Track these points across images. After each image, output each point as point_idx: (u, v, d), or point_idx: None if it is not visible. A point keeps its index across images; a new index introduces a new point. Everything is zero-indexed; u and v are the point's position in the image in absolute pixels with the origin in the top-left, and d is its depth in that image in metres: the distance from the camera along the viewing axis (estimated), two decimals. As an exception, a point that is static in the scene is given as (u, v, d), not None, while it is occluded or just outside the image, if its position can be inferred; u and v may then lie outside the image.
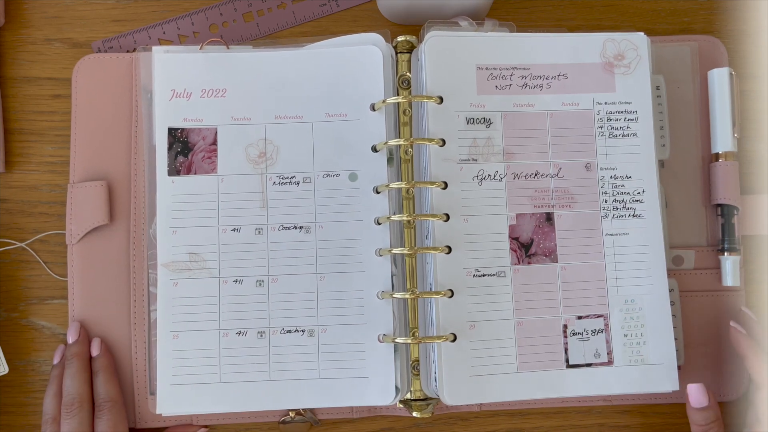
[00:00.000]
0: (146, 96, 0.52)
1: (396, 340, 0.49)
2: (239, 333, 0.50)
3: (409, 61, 0.52)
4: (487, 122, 0.51)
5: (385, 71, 0.51)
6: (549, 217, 0.51)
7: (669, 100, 0.55)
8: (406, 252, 0.49)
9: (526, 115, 0.52)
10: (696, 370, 0.53)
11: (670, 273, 0.52)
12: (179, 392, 0.49)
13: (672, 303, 0.52)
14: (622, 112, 0.52)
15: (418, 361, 0.50)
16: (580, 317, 0.51)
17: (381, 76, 0.51)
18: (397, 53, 0.52)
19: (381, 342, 0.49)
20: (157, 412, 0.49)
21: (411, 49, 0.52)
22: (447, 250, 0.49)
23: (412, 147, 0.51)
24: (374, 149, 0.51)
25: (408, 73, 0.52)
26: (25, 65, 0.55)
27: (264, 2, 0.55)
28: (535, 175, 0.51)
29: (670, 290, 0.52)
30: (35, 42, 0.55)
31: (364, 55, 0.51)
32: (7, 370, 0.51)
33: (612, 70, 0.52)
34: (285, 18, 0.56)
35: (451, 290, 0.49)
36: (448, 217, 0.50)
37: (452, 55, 0.51)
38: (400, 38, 0.51)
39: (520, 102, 0.52)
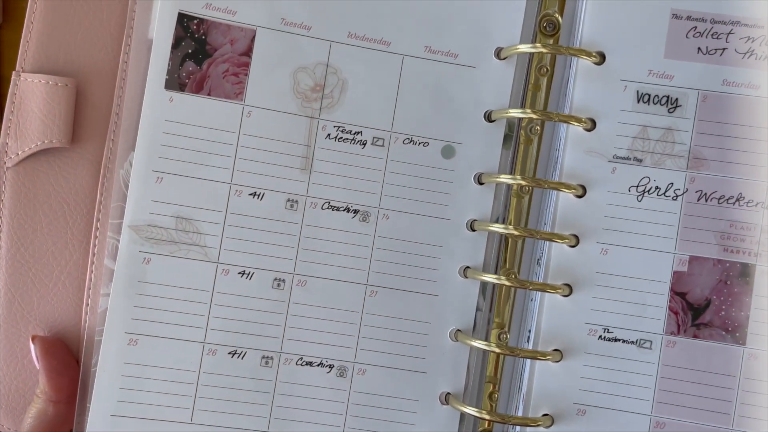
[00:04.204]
0: None
1: (465, 409, 0.33)
2: (234, 353, 0.35)
3: (563, -2, 0.35)
4: (671, 103, 0.34)
5: (527, 7, 0.35)
6: (745, 272, 0.33)
7: None
8: (504, 282, 0.33)
9: (740, 101, 0.34)
10: None
11: None
12: (122, 427, 0.35)
13: None
14: None
15: (493, 441, 0.35)
16: (768, 438, 0.33)
17: (522, 10, 0.35)
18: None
19: (444, 404, 0.34)
20: None
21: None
22: (567, 290, 0.33)
23: (542, 125, 0.34)
24: (488, 118, 0.34)
25: (557, 15, 0.35)
26: None
27: None
28: (738, 200, 0.33)
29: None
30: (35, 41, 0.48)
31: None
32: None
33: None
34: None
35: (560, 351, 0.33)
36: (578, 240, 0.33)
37: (634, -11, 0.33)
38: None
39: (735, 79, 0.34)
